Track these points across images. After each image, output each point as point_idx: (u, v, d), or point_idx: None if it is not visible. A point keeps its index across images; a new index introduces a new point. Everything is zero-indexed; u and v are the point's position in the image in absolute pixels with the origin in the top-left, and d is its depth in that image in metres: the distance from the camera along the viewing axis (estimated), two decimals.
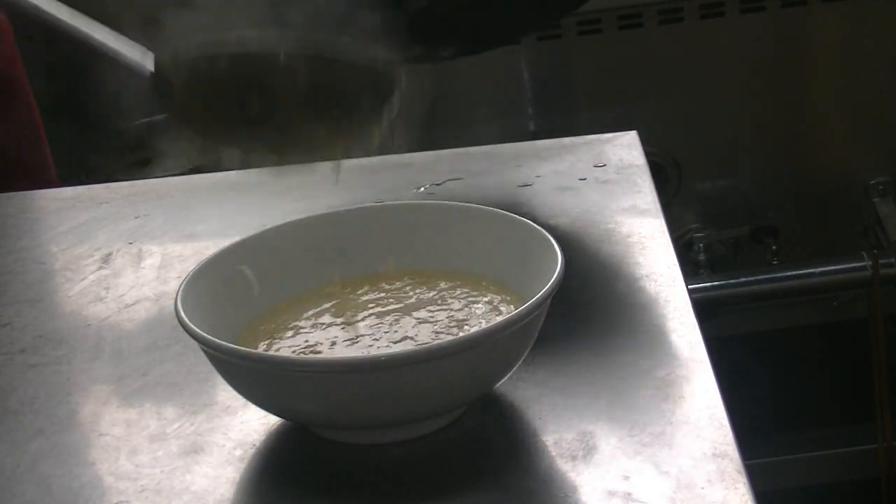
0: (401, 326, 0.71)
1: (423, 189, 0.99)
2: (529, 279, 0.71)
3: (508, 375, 0.69)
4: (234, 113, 0.73)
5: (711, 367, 0.72)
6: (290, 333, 0.72)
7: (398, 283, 0.76)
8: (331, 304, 0.74)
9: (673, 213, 1.80)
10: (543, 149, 1.05)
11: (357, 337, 0.71)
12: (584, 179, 0.99)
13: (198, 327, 0.66)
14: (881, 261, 1.74)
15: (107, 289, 0.89)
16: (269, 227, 0.77)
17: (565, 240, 0.72)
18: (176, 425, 0.71)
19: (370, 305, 0.74)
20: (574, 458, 0.65)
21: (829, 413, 1.89)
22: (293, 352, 0.70)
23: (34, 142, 1.38)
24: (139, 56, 0.71)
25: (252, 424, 0.70)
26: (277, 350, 0.70)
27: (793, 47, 1.80)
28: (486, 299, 0.73)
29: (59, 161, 1.45)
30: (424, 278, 0.76)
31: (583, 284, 0.82)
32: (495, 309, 0.72)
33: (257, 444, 0.69)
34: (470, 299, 0.73)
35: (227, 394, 0.72)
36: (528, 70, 1.81)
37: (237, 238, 0.76)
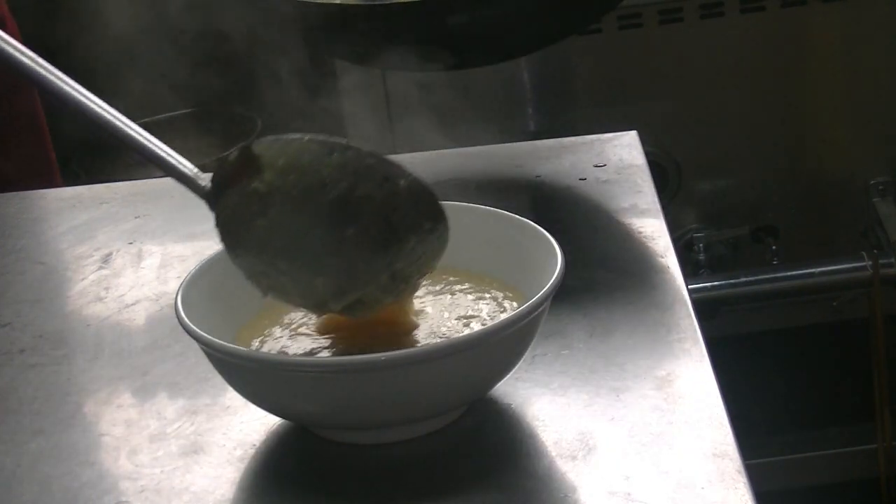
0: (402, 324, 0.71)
1: None
2: (530, 278, 0.71)
3: (508, 375, 0.69)
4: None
5: (711, 367, 0.72)
6: (289, 333, 0.72)
7: None
8: None
9: (673, 213, 1.80)
10: (543, 149, 1.05)
11: (357, 336, 0.71)
12: (584, 179, 0.99)
13: (198, 327, 0.66)
14: (881, 261, 1.74)
15: (107, 289, 0.89)
16: None
17: (565, 240, 0.72)
18: (176, 425, 0.71)
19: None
20: (574, 458, 0.65)
21: (829, 413, 1.89)
22: (293, 351, 0.70)
23: (39, 146, 1.38)
24: (193, 171, 0.70)
25: (252, 424, 0.70)
26: (277, 350, 0.70)
27: (793, 47, 1.80)
28: (489, 296, 0.73)
29: (60, 161, 1.45)
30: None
31: (583, 284, 0.82)
32: (500, 306, 0.72)
33: (257, 444, 0.69)
34: (475, 295, 0.73)
35: (227, 394, 0.72)
36: (528, 70, 1.81)
37: None
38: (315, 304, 0.69)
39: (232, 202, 0.68)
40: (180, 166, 0.70)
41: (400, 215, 0.66)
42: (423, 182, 0.67)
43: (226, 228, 0.69)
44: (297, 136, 0.67)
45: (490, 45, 1.02)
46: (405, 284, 0.68)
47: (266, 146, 0.67)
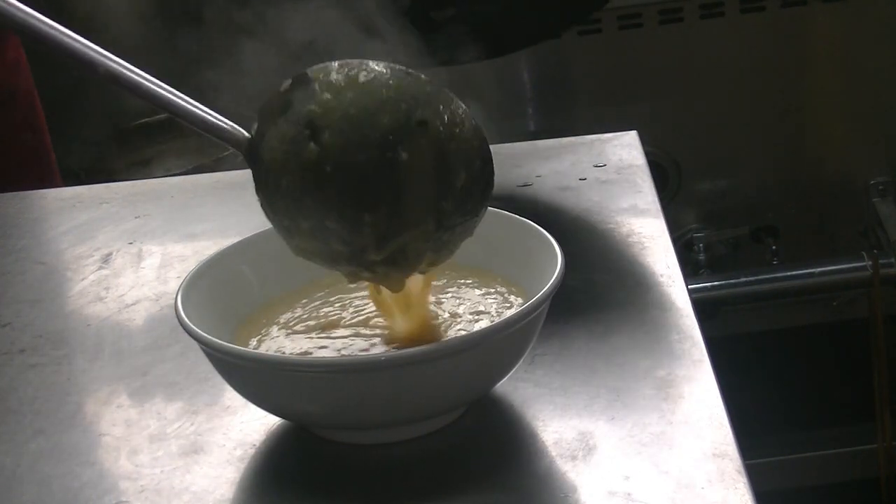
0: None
1: None
2: (530, 279, 0.71)
3: (508, 375, 0.69)
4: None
5: (711, 367, 0.72)
6: (287, 332, 0.72)
7: None
8: (334, 297, 0.74)
9: (673, 213, 1.80)
10: (543, 149, 1.05)
11: (359, 334, 0.71)
12: (584, 179, 0.99)
13: (198, 327, 0.66)
14: (881, 261, 1.74)
15: (107, 289, 0.89)
16: (269, 226, 0.77)
17: (565, 240, 0.72)
18: (176, 425, 0.71)
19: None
20: (574, 458, 0.65)
21: (829, 413, 1.89)
22: (289, 350, 0.70)
23: (39, 146, 1.38)
24: (230, 124, 0.68)
25: (252, 424, 0.70)
26: (274, 349, 0.70)
27: (793, 47, 1.80)
28: (495, 290, 0.73)
29: (60, 161, 1.45)
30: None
31: (583, 284, 0.82)
32: (506, 300, 0.72)
33: (257, 444, 0.69)
34: (482, 291, 0.74)
35: (227, 394, 0.72)
36: (528, 70, 1.81)
37: (237, 238, 0.76)
38: (354, 253, 0.65)
39: (279, 132, 0.65)
40: (216, 120, 0.67)
41: (455, 146, 0.64)
42: (476, 121, 0.66)
43: (269, 165, 0.65)
44: (354, 60, 0.65)
45: (480, 41, 1.02)
46: (449, 236, 0.65)
47: (322, 69, 0.65)
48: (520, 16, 1.00)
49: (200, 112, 0.67)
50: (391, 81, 0.64)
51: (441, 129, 0.64)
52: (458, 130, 0.64)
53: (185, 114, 0.67)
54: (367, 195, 0.63)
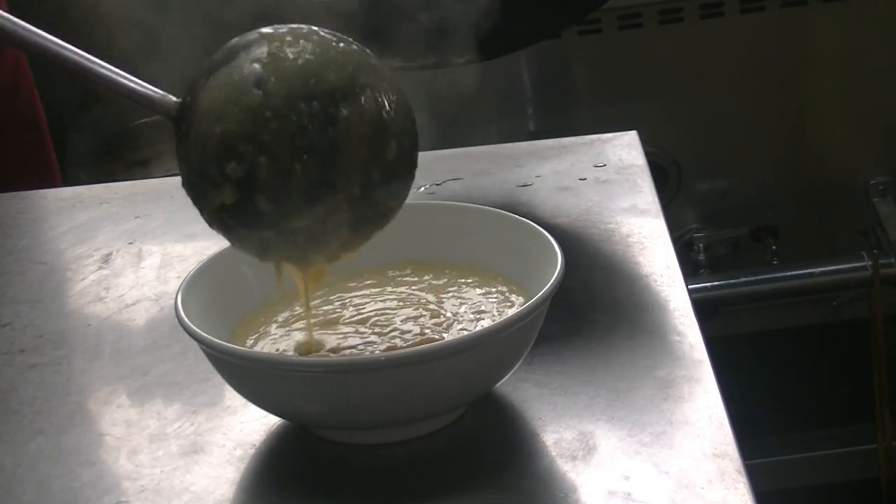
0: (405, 318, 0.71)
1: (423, 189, 0.99)
2: (530, 279, 0.71)
3: (508, 375, 0.69)
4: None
5: (711, 367, 0.72)
6: (285, 331, 0.72)
7: (403, 276, 0.76)
8: (334, 295, 0.74)
9: (673, 213, 1.80)
10: (543, 149, 1.05)
11: (360, 332, 0.71)
12: (584, 179, 0.99)
13: (198, 327, 0.66)
14: (881, 261, 1.74)
15: (107, 289, 0.89)
16: None
17: (565, 240, 0.72)
18: (176, 425, 0.71)
19: (373, 295, 0.74)
20: (574, 458, 0.65)
21: (829, 413, 1.89)
22: (293, 350, 0.70)
23: (39, 146, 1.38)
24: (159, 93, 0.67)
25: (252, 424, 0.70)
26: (276, 349, 0.70)
27: (793, 47, 1.80)
28: (495, 290, 0.73)
29: (60, 161, 1.45)
30: (428, 271, 0.76)
31: (583, 284, 0.82)
32: (507, 299, 0.72)
33: (257, 444, 0.69)
34: (482, 290, 0.74)
35: (227, 394, 0.72)
36: (528, 70, 1.81)
37: None
38: (277, 214, 0.64)
39: (222, 80, 0.64)
40: (142, 88, 0.67)
41: (390, 118, 0.65)
42: (409, 105, 0.67)
43: (206, 112, 0.64)
44: (304, 25, 0.66)
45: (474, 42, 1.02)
46: (369, 212, 0.65)
47: (272, 28, 0.66)
48: (518, 16, 1.00)
49: (125, 80, 0.67)
50: (340, 45, 0.65)
51: (381, 97, 0.65)
52: (395, 105, 0.66)
53: (110, 82, 0.67)
54: (302, 145, 0.63)
